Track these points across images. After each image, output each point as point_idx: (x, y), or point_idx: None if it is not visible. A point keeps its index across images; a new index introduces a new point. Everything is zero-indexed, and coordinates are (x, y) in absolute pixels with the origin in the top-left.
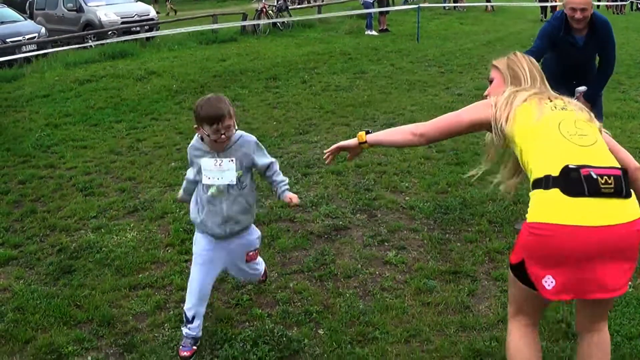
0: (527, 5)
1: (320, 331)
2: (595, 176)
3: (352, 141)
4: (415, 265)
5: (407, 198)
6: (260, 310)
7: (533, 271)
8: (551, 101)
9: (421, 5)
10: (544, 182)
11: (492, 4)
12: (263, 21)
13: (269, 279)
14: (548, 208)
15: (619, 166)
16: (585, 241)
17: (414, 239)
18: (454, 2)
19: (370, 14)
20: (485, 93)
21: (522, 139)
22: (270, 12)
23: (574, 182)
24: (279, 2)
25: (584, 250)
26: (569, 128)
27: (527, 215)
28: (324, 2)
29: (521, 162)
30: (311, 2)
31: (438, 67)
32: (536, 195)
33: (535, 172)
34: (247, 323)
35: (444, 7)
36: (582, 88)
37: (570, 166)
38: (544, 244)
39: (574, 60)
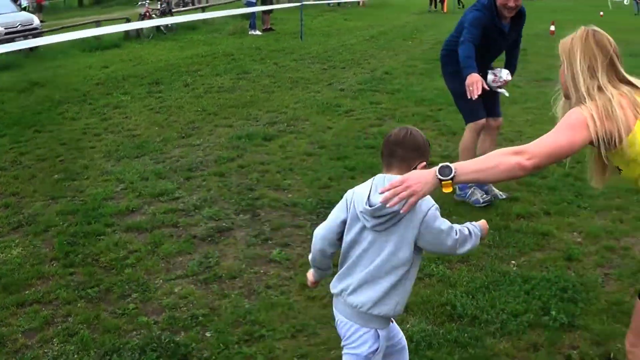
0: None
1: (208, 334)
2: None
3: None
4: (300, 261)
5: (290, 195)
6: (147, 318)
7: None
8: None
9: (305, 3)
10: None
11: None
12: (146, 23)
13: (154, 285)
14: None
15: None
16: None
17: (297, 235)
18: None
19: (253, 13)
20: None
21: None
22: (154, 16)
23: None
24: (163, 6)
25: None
26: None
27: None
28: (208, 4)
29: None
30: (195, 3)
31: (321, 64)
32: None
33: None
34: (134, 332)
35: (329, 4)
36: (505, 73)
37: None
38: None
39: (498, 48)
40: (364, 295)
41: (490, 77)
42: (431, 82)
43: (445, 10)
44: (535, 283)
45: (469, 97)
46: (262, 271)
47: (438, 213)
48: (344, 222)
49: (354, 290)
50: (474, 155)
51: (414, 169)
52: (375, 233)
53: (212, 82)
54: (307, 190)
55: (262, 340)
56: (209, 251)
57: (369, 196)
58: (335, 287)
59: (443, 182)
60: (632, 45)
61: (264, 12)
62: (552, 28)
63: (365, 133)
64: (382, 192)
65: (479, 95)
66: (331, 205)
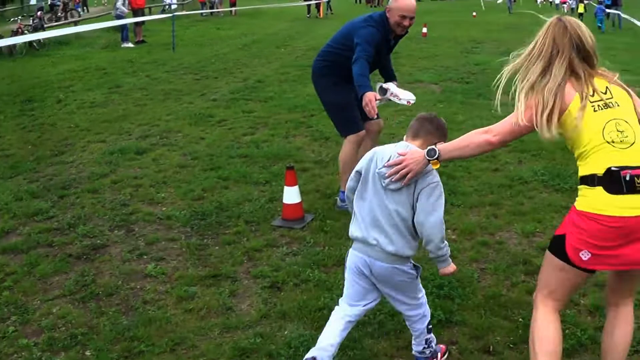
0: (286, 5)
1: (87, 353)
2: (631, 177)
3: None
4: (175, 274)
5: (163, 208)
6: (26, 340)
7: (573, 244)
8: (593, 95)
9: (177, 13)
10: (590, 180)
11: (236, 8)
12: (18, 39)
13: (32, 306)
14: (594, 202)
15: None
16: (620, 228)
17: (172, 249)
18: (210, 8)
19: (125, 26)
20: None
21: (576, 135)
22: (26, 32)
23: (615, 182)
24: (35, 21)
25: (619, 235)
26: (611, 133)
27: (575, 204)
28: (80, 18)
29: (570, 149)
30: (68, 18)
31: (194, 74)
32: (584, 190)
33: (583, 170)
34: (15, 355)
35: (201, 13)
36: (392, 86)
37: (612, 168)
38: (588, 227)
39: (382, 61)
40: (389, 242)
41: (382, 91)
42: (304, 88)
43: (321, 15)
44: None
45: (353, 113)
46: (138, 286)
47: (437, 192)
48: (358, 174)
49: (380, 237)
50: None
51: (433, 144)
52: (387, 190)
53: (84, 98)
54: (181, 203)
55: (142, 355)
56: (85, 269)
57: (385, 160)
58: (353, 232)
59: (431, 161)
60: (505, 44)
61: (136, 24)
62: (425, 30)
63: (238, 142)
64: (386, 166)
65: (357, 107)
66: (205, 216)
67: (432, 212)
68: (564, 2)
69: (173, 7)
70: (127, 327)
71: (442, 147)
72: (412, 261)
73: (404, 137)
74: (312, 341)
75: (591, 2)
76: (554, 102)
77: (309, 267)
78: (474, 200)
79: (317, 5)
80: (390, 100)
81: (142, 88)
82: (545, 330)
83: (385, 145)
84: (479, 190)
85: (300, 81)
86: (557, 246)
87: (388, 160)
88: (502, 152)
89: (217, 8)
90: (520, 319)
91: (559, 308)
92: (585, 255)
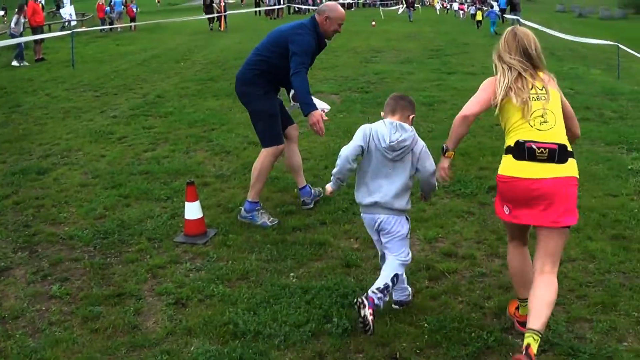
0: (186, 19)
1: None
2: (534, 148)
3: (446, 162)
4: (80, 294)
5: (66, 228)
6: None
7: (499, 202)
8: (527, 86)
9: (76, 30)
10: (506, 150)
11: (135, 23)
12: None
13: None
14: (504, 166)
15: (560, 142)
16: (525, 187)
17: (76, 269)
18: (110, 23)
19: (20, 44)
20: None
21: (507, 117)
22: None
23: (520, 150)
24: None
25: (525, 192)
26: (536, 116)
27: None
28: None
29: (502, 127)
30: None
31: (93, 91)
32: (503, 158)
33: (506, 143)
34: None
35: (101, 29)
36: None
37: (519, 140)
38: (503, 187)
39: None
40: (395, 201)
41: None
42: (204, 102)
43: (223, 28)
44: (315, 292)
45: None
46: (44, 308)
47: (428, 152)
48: (361, 147)
49: (386, 199)
50: (266, 178)
51: (407, 118)
52: (393, 161)
53: None
54: (83, 222)
55: None
56: None
57: (390, 138)
58: (363, 199)
59: (446, 154)
60: (405, 53)
61: (35, 42)
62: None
63: (139, 159)
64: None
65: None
66: (107, 235)
67: (430, 158)
68: (462, 9)
69: (72, 23)
70: (35, 349)
71: (447, 142)
72: (408, 215)
73: (382, 114)
74: (218, 356)
75: (490, 9)
76: (501, 90)
77: (213, 282)
78: None
79: (219, 18)
80: (293, 107)
81: (42, 107)
82: (512, 259)
83: (375, 123)
84: None
85: (200, 95)
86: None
87: (391, 140)
88: None
89: (116, 24)
90: (426, 325)
91: (521, 245)
92: (506, 210)
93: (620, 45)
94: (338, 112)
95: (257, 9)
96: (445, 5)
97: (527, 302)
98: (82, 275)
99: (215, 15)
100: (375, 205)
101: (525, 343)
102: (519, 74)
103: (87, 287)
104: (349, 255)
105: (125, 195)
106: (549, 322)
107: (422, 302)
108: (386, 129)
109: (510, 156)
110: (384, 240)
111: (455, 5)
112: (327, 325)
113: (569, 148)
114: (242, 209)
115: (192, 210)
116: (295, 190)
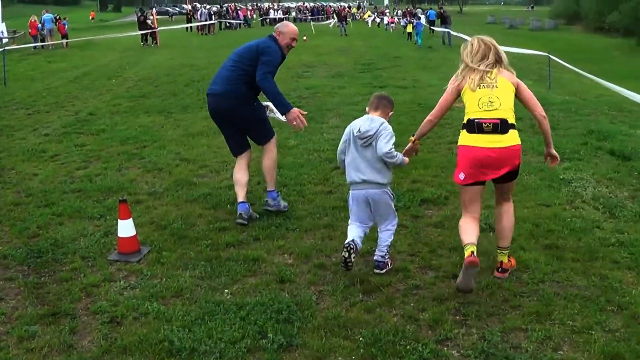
0: (117, 36)
1: None
2: (481, 122)
3: (409, 146)
4: (15, 314)
5: (0, 247)
6: None
7: (457, 171)
8: (483, 80)
9: (8, 47)
10: (462, 126)
11: (67, 40)
12: None
13: None
14: (461, 138)
15: (501, 117)
16: (476, 154)
17: (10, 288)
18: (42, 40)
19: None
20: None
21: (465, 104)
22: None
23: (471, 126)
24: None
25: (476, 159)
26: (484, 101)
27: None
28: None
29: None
30: None
31: (25, 109)
32: (460, 134)
33: (463, 121)
34: None
35: (33, 47)
36: (271, 105)
37: (470, 118)
38: (459, 155)
39: None
40: (378, 176)
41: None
42: (136, 119)
43: (158, 44)
44: (250, 308)
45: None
46: None
47: (387, 131)
48: (344, 143)
49: (370, 176)
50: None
51: (387, 114)
52: (364, 147)
53: None
54: (17, 241)
55: None
56: None
57: (359, 129)
58: (352, 178)
59: (411, 140)
60: (337, 67)
61: None
62: None
63: (71, 177)
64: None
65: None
66: (41, 254)
67: (383, 142)
68: (392, 22)
69: (4, 40)
70: None
71: (416, 134)
72: (390, 189)
73: (366, 109)
74: None
75: (420, 22)
76: (459, 83)
77: (148, 300)
78: (308, 223)
79: (152, 34)
80: (269, 115)
81: None
82: (463, 225)
83: (357, 119)
84: (313, 213)
85: (132, 112)
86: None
87: (360, 130)
88: (335, 174)
89: (48, 41)
90: (361, 338)
91: (472, 217)
92: (461, 176)
93: (551, 56)
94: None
95: (189, 24)
96: (376, 20)
97: (470, 244)
98: (17, 294)
99: (149, 31)
100: (364, 182)
101: (498, 260)
102: (474, 69)
103: (22, 306)
104: (282, 271)
105: (59, 213)
106: (484, 333)
107: (357, 316)
108: (362, 122)
109: (464, 131)
110: (375, 214)
111: (386, 19)
112: (263, 341)
113: (511, 122)
114: (268, 201)
115: (125, 228)
116: (233, 205)
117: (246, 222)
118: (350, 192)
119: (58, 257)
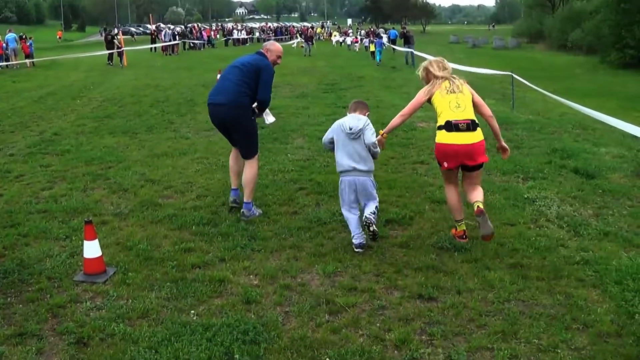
0: (83, 55)
1: None
2: (457, 123)
3: (378, 138)
4: None
5: None
6: None
7: (440, 162)
8: (449, 86)
9: None
10: (440, 127)
11: (32, 60)
12: None
13: None
14: (439, 137)
15: (470, 118)
16: (454, 149)
17: None
18: (6, 60)
19: None
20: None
21: (436, 107)
22: None
23: (449, 126)
24: None
25: (454, 153)
26: (453, 104)
27: (435, 140)
28: None
29: (435, 112)
30: None
31: None
32: (437, 132)
33: (438, 123)
34: None
35: None
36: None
37: (448, 120)
38: (440, 151)
39: None
40: (364, 165)
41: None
42: (101, 140)
43: (125, 64)
44: (216, 329)
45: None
46: None
47: (372, 131)
48: (331, 137)
49: (359, 164)
50: None
51: (365, 114)
52: (353, 140)
53: None
54: None
55: None
56: None
57: (349, 126)
58: (344, 166)
59: (380, 133)
60: (300, 88)
61: None
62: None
63: (37, 197)
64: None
65: None
66: (7, 274)
67: (369, 134)
68: (356, 42)
69: None
70: None
71: (386, 128)
72: (373, 177)
73: (347, 112)
74: None
75: (380, 40)
76: (432, 88)
77: (114, 321)
78: (274, 244)
79: (120, 54)
80: (261, 117)
81: None
82: (450, 195)
83: (343, 118)
84: (278, 234)
85: (97, 133)
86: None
87: (350, 127)
88: (300, 194)
89: (12, 60)
90: (327, 359)
91: (453, 185)
92: (445, 164)
93: (514, 75)
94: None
95: (153, 45)
96: (339, 39)
97: (461, 222)
98: None
99: (115, 50)
100: (354, 170)
101: (475, 207)
102: (443, 79)
103: None
104: (248, 292)
105: (24, 234)
106: (450, 353)
107: (323, 336)
108: (350, 120)
109: (443, 131)
110: (361, 197)
111: (349, 40)
112: None
113: (477, 121)
114: (244, 211)
115: (91, 249)
116: (198, 226)
117: (238, 205)
118: (341, 178)
119: (24, 278)
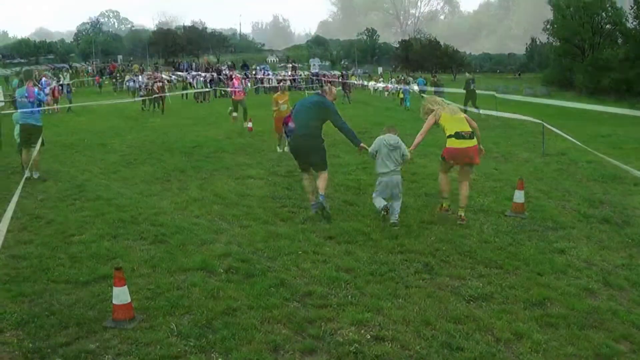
0: (117, 102)
1: None
2: (462, 133)
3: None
4: None
5: None
6: None
7: (447, 160)
8: (450, 111)
9: (3, 112)
10: (450, 136)
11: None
12: None
13: None
14: (450, 143)
15: (469, 130)
16: (460, 151)
17: (5, 352)
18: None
19: None
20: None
21: (444, 124)
22: None
23: (457, 135)
24: None
25: (460, 153)
26: (457, 121)
27: (446, 145)
28: None
29: (442, 130)
30: None
31: (20, 173)
32: (448, 139)
33: (448, 132)
34: None
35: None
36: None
37: (457, 131)
38: (450, 152)
39: None
40: (398, 166)
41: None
42: (132, 186)
43: (163, 110)
44: None
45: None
46: None
47: (405, 147)
48: (376, 150)
49: (397, 167)
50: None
51: (396, 134)
52: (392, 150)
53: None
54: (12, 306)
55: None
56: None
57: (389, 141)
58: (387, 168)
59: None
60: (329, 137)
61: None
62: (250, 125)
63: (67, 243)
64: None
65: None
66: (37, 319)
67: (404, 149)
68: (387, 89)
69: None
70: None
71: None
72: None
73: (381, 133)
74: None
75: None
76: (438, 114)
77: None
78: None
79: (160, 100)
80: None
81: None
82: (443, 180)
83: (382, 136)
84: (309, 283)
85: (130, 179)
86: (442, 157)
87: (391, 142)
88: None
89: (45, 105)
90: None
91: (446, 173)
92: (451, 162)
93: (545, 124)
94: (265, 197)
95: (185, 91)
96: (376, 87)
97: (447, 199)
98: (11, 359)
99: (154, 96)
100: (393, 171)
101: (459, 213)
102: (440, 107)
103: None
104: (274, 340)
105: (54, 279)
106: None
107: None
108: (388, 137)
109: (453, 138)
110: (393, 190)
111: (381, 86)
112: None
113: (472, 132)
114: (322, 202)
115: (121, 295)
116: (226, 273)
117: (320, 206)
118: (380, 179)
119: (53, 323)
